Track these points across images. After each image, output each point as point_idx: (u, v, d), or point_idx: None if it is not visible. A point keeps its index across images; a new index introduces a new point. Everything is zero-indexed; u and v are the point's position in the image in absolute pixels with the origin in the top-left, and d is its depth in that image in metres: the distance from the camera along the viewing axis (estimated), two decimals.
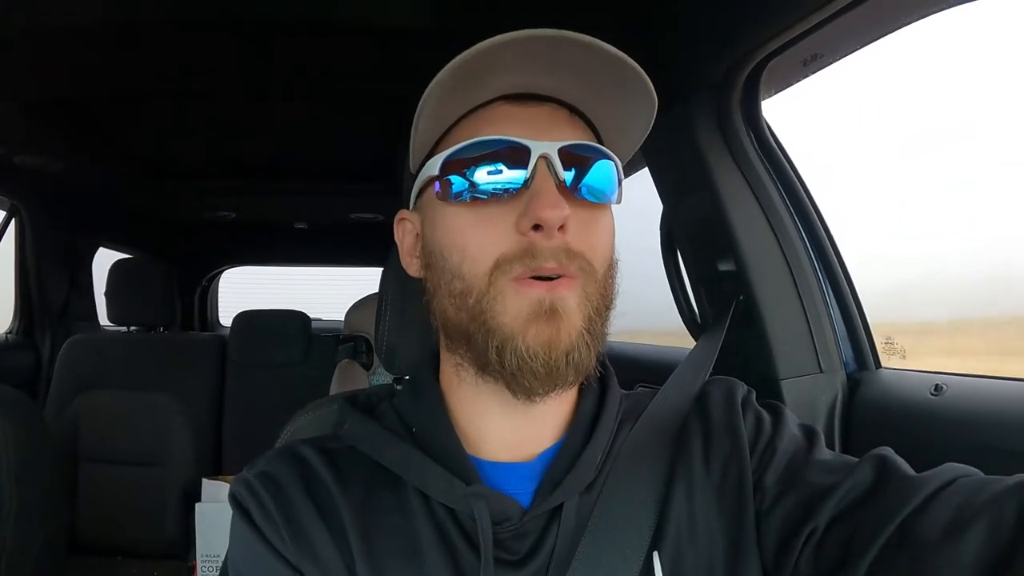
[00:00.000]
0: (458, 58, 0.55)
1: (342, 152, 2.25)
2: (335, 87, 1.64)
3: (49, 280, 2.63)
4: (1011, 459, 0.82)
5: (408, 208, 0.70)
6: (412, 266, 0.69)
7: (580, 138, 0.61)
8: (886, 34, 0.96)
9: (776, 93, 1.16)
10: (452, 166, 0.60)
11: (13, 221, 2.52)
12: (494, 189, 0.58)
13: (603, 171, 0.61)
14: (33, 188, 2.40)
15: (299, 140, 2.21)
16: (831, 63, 1.06)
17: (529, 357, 0.56)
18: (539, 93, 0.61)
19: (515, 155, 0.57)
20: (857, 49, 1.01)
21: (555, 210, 0.55)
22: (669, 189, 1.35)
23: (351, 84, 1.57)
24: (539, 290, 0.56)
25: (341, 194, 2.73)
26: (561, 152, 0.58)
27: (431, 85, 0.57)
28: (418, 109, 0.60)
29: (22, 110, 1.68)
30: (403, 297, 0.80)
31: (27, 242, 2.55)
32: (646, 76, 0.57)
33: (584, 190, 0.59)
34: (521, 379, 0.57)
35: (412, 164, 0.67)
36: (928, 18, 0.91)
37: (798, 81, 1.14)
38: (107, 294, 2.61)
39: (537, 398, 0.59)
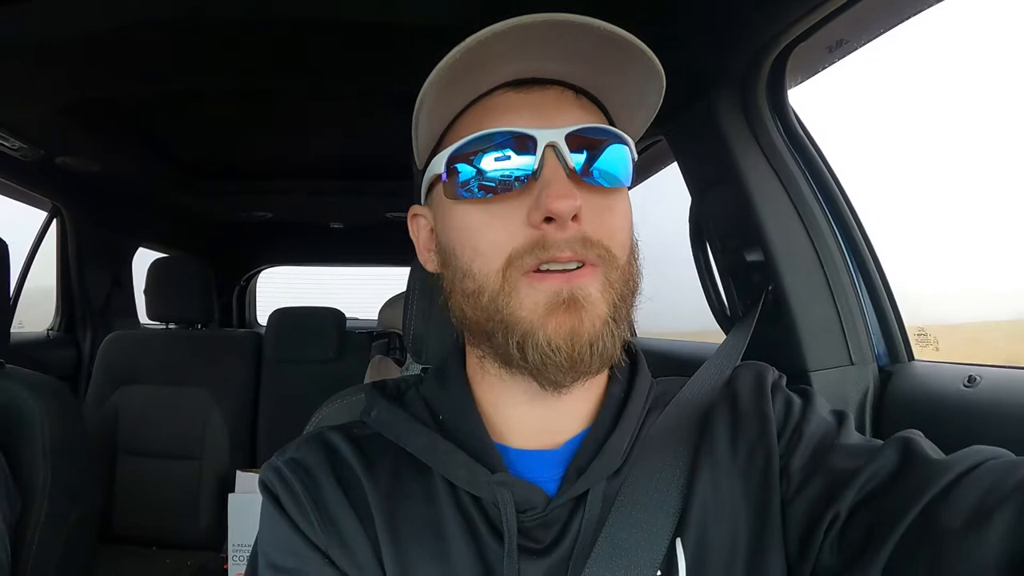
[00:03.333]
0: (447, 57, 0.54)
1: (377, 152, 2.26)
2: (370, 87, 1.65)
3: (90, 278, 2.68)
4: None
5: (420, 203, 0.70)
6: (430, 262, 0.68)
7: (589, 120, 0.59)
8: (911, 16, 0.94)
9: (802, 81, 1.15)
10: (457, 163, 0.59)
11: (55, 221, 2.58)
12: (502, 184, 0.57)
13: (615, 154, 0.59)
14: (74, 189, 2.45)
15: (335, 140, 2.22)
16: (856, 48, 1.04)
17: (552, 351, 0.55)
18: (543, 77, 0.59)
19: (521, 146, 0.56)
20: (882, 33, 0.99)
21: (566, 200, 0.54)
22: (697, 180, 1.34)
23: (386, 84, 1.57)
24: (556, 281, 0.55)
25: (376, 194, 2.75)
26: (569, 137, 0.56)
27: (424, 87, 0.56)
28: (415, 110, 0.60)
29: (61, 112, 1.72)
30: (430, 288, 0.81)
31: (68, 242, 2.61)
32: (648, 49, 0.55)
33: (596, 175, 0.58)
34: (546, 372, 0.56)
35: (418, 161, 0.67)
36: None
37: (824, 68, 1.12)
38: (146, 292, 2.64)
39: (565, 389, 0.58)
